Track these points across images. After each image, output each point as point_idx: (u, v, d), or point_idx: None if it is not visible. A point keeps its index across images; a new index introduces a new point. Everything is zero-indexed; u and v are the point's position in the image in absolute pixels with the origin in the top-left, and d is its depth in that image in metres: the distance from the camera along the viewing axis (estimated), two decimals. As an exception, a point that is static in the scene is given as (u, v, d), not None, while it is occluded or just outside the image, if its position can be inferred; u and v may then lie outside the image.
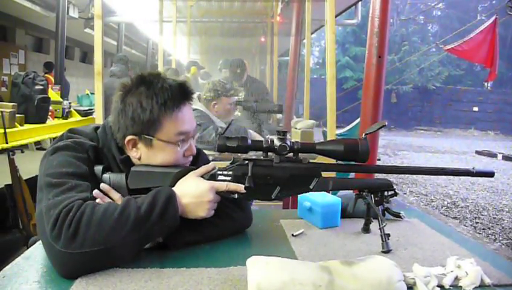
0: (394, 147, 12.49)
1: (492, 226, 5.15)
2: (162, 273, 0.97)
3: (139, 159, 1.16)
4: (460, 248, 1.19)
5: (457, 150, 12.54)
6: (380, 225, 1.15)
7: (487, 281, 0.95)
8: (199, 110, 2.75)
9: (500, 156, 10.86)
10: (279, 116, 4.31)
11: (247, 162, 1.15)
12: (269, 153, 1.16)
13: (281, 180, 1.16)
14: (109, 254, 0.95)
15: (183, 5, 6.87)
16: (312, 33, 6.25)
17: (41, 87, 3.54)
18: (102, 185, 1.09)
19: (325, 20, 2.90)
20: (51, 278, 0.94)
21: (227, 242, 1.18)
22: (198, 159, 1.26)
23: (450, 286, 0.95)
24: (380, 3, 2.63)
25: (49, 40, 11.04)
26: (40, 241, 1.05)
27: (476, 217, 5.50)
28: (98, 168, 1.13)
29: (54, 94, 4.41)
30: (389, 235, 1.14)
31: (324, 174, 1.17)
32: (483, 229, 5.04)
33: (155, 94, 1.12)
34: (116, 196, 1.09)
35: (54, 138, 3.84)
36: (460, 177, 7.55)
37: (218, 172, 1.16)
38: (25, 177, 3.22)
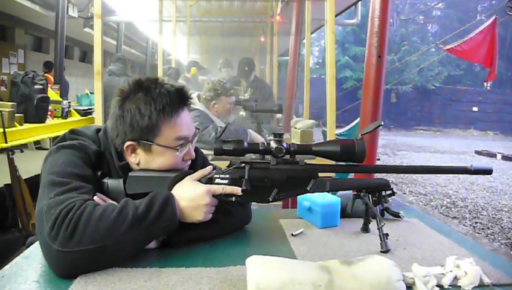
0: (394, 147, 12.49)
1: (491, 226, 5.16)
2: (161, 273, 0.97)
3: (138, 164, 1.17)
4: (459, 247, 1.19)
5: (457, 150, 12.54)
6: (378, 225, 1.15)
7: (486, 280, 0.95)
8: (199, 110, 2.76)
9: (499, 156, 10.86)
10: (279, 116, 4.32)
11: (244, 165, 1.15)
12: (266, 156, 1.16)
13: (278, 183, 1.16)
14: (106, 252, 0.95)
15: (182, 4, 6.88)
16: (312, 33, 6.24)
17: (40, 86, 3.54)
18: (97, 194, 1.09)
19: (324, 19, 2.90)
20: (50, 277, 0.94)
21: (227, 242, 1.18)
22: (196, 158, 1.26)
23: (449, 285, 0.95)
24: (379, 3, 2.63)
25: (48, 40, 11.04)
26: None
27: (475, 217, 5.50)
28: (97, 174, 1.14)
29: (53, 94, 4.41)
30: (387, 235, 1.14)
31: (322, 174, 1.17)
32: (483, 229, 5.05)
33: (153, 100, 1.11)
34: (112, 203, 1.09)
35: (53, 138, 3.86)
36: (460, 176, 7.67)
37: (215, 175, 1.16)
38: (24, 177, 3.22)
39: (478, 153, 11.62)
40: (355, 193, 1.23)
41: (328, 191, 1.20)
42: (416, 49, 19.47)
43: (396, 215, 1.43)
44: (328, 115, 2.80)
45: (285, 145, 1.14)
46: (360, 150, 1.13)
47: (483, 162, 10.24)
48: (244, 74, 4.31)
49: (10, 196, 3.16)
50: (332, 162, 1.26)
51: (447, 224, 4.77)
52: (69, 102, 4.54)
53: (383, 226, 1.15)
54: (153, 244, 1.08)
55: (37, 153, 7.30)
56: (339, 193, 1.43)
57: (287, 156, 1.16)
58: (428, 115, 21.12)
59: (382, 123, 1.22)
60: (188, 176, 1.15)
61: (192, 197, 1.09)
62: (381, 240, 1.14)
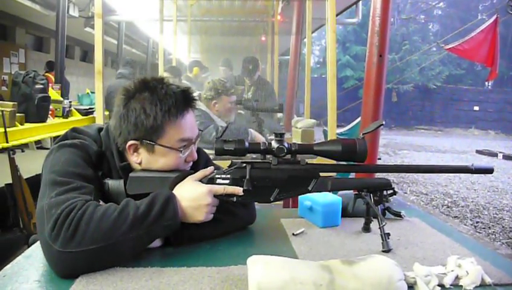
0: (395, 146, 12.48)
1: (492, 225, 5.15)
2: (163, 273, 0.96)
3: (140, 163, 1.16)
4: (460, 247, 1.19)
5: (458, 149, 12.53)
6: (379, 225, 1.15)
7: (488, 280, 0.95)
8: (200, 109, 2.75)
9: (500, 156, 10.85)
10: (279, 115, 4.31)
11: (245, 164, 1.15)
12: (267, 155, 1.16)
13: (279, 182, 1.16)
14: (107, 252, 0.94)
15: (183, 4, 6.87)
16: (313, 32, 6.23)
17: (41, 86, 3.54)
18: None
19: (325, 19, 2.90)
20: (51, 277, 0.94)
21: (228, 241, 1.18)
22: (199, 158, 1.26)
23: (451, 285, 0.94)
24: (380, 2, 2.63)
25: (49, 39, 11.04)
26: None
27: (476, 217, 5.50)
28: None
29: (54, 93, 4.41)
30: (389, 234, 1.14)
31: (323, 174, 1.17)
32: (484, 228, 5.04)
33: (159, 100, 1.11)
34: None
35: (54, 137, 3.87)
36: (461, 176, 7.66)
37: (217, 175, 1.16)
38: (25, 177, 3.23)
39: (479, 152, 11.61)
40: (357, 192, 1.23)
41: (329, 191, 1.20)
42: (417, 48, 19.47)
43: (398, 215, 1.42)
44: (329, 115, 2.80)
45: (286, 144, 1.14)
46: (361, 150, 1.12)
47: (484, 161, 10.23)
48: (248, 72, 4.31)
49: (11, 196, 3.16)
50: (334, 162, 1.26)
51: (448, 223, 4.77)
52: (70, 101, 4.55)
53: (384, 225, 1.14)
54: (157, 243, 1.08)
55: (38, 153, 7.31)
56: (340, 192, 1.42)
57: (288, 156, 1.16)
58: (429, 114, 21.10)
59: (383, 122, 1.22)
60: (189, 176, 1.15)
61: (193, 197, 1.09)
62: (382, 239, 1.14)
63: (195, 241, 1.14)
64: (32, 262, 1.02)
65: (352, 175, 2.12)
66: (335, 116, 2.81)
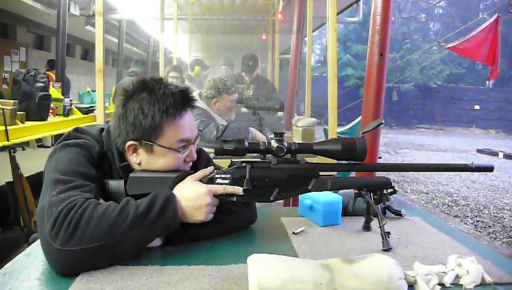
0: (395, 145, 12.48)
1: (493, 224, 5.15)
2: (163, 271, 0.97)
3: (139, 164, 1.16)
4: (461, 246, 1.19)
5: (459, 149, 12.53)
6: (379, 223, 1.15)
7: (488, 279, 0.95)
8: (200, 108, 2.75)
9: (501, 155, 10.85)
10: (280, 114, 4.32)
11: (245, 164, 1.15)
12: (267, 155, 1.16)
13: (279, 182, 1.15)
14: (106, 251, 0.94)
15: (184, 2, 6.86)
16: (313, 31, 6.23)
17: (42, 84, 3.54)
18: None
19: (326, 17, 2.89)
20: (52, 275, 0.94)
21: (228, 240, 1.18)
22: (199, 158, 1.26)
23: (451, 284, 0.94)
24: (381, 1, 2.63)
25: (50, 38, 11.04)
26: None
27: (476, 216, 5.50)
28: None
29: (55, 91, 4.40)
30: (389, 233, 1.14)
31: (323, 173, 1.17)
32: (484, 227, 5.04)
33: (157, 101, 1.11)
34: None
35: (55, 136, 3.87)
36: (461, 175, 7.65)
37: (216, 175, 1.16)
38: (26, 175, 3.23)
39: (480, 151, 11.60)
40: (357, 191, 1.23)
41: (329, 190, 1.20)
42: (418, 47, 19.45)
43: (398, 214, 1.43)
44: (329, 113, 2.79)
45: (286, 144, 1.14)
46: (361, 149, 1.12)
47: (485, 160, 10.22)
48: (248, 68, 4.31)
49: (12, 194, 3.17)
50: (334, 161, 1.26)
51: (448, 222, 4.78)
52: (70, 100, 4.55)
53: (384, 224, 1.15)
54: (157, 242, 1.08)
55: (39, 151, 7.32)
56: (340, 191, 1.43)
57: (288, 155, 1.16)
58: (430, 113, 21.09)
59: (382, 121, 1.22)
60: (189, 176, 1.15)
61: (193, 197, 1.09)
62: (382, 238, 1.14)
63: (196, 241, 1.14)
64: (32, 260, 1.02)
65: (352, 174, 2.12)
66: (335, 115, 2.80)
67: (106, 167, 1.17)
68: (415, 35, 22.57)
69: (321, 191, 1.20)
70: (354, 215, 1.38)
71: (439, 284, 0.93)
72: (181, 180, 1.14)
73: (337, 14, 4.02)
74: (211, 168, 1.17)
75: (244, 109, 3.46)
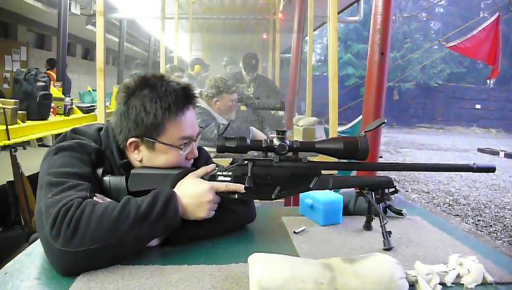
0: (396, 145, 12.47)
1: (494, 223, 5.15)
2: (164, 270, 0.96)
3: (141, 161, 1.16)
4: (462, 245, 1.19)
5: (459, 148, 12.51)
6: (381, 223, 1.15)
7: (489, 278, 0.95)
8: (201, 107, 2.75)
9: (502, 154, 10.83)
10: (281, 113, 4.31)
11: (246, 162, 1.15)
12: (269, 153, 1.16)
13: (280, 180, 1.15)
14: (108, 251, 0.94)
15: (185, 1, 6.86)
16: (314, 30, 6.22)
17: (43, 84, 3.54)
18: (96, 195, 1.08)
19: (327, 17, 2.89)
20: (52, 274, 0.94)
21: (229, 239, 1.18)
22: (199, 156, 1.25)
23: (452, 283, 0.94)
24: (382, 0, 2.62)
25: (51, 37, 11.04)
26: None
27: (477, 215, 5.49)
28: (98, 171, 1.13)
29: (55, 91, 4.41)
30: (390, 232, 1.14)
31: (325, 172, 1.17)
32: (485, 226, 5.04)
33: (159, 98, 1.11)
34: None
35: (55, 135, 3.87)
36: (462, 174, 7.65)
37: (218, 173, 1.16)
38: (27, 174, 3.23)
39: (481, 150, 11.59)
40: (358, 190, 1.23)
41: (330, 189, 1.20)
42: (419, 46, 19.44)
43: (399, 213, 1.42)
44: (330, 113, 2.79)
45: (288, 142, 1.14)
46: (363, 148, 1.12)
47: (485, 160, 10.21)
48: (250, 67, 4.32)
49: (13, 193, 3.16)
50: (335, 160, 1.26)
51: (449, 222, 4.77)
52: (71, 99, 4.55)
53: (385, 223, 1.14)
54: (154, 242, 1.08)
55: (40, 150, 7.32)
56: (342, 190, 1.42)
57: (290, 154, 1.16)
58: (430, 112, 21.07)
59: (385, 121, 1.22)
60: (191, 173, 1.14)
61: (195, 194, 1.09)
62: (383, 237, 1.14)
63: (194, 241, 1.13)
64: (33, 260, 1.02)
65: (353, 173, 2.12)
66: (336, 114, 2.80)
67: (106, 165, 1.17)
68: (416, 34, 22.55)
69: (323, 189, 1.19)
70: (355, 214, 1.38)
71: (440, 283, 0.93)
72: (183, 177, 1.14)
73: (338, 13, 4.02)
74: (212, 166, 1.17)
75: (243, 108, 3.46)
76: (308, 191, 1.19)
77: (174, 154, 1.15)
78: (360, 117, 4.77)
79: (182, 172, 1.15)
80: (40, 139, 7.34)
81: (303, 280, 0.82)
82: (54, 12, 7.78)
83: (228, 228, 1.21)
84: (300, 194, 1.41)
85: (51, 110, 3.77)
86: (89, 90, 6.18)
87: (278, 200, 1.20)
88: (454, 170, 1.19)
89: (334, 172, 1.43)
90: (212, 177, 1.15)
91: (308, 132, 2.97)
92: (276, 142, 1.13)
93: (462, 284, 0.94)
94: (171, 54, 7.64)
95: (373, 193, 1.20)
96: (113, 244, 0.94)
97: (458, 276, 0.96)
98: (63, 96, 4.49)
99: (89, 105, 4.88)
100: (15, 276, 0.93)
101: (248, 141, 1.14)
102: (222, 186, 1.13)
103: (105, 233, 0.93)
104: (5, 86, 8.66)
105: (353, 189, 1.31)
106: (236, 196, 1.14)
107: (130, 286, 0.89)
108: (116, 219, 0.95)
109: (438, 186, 7.12)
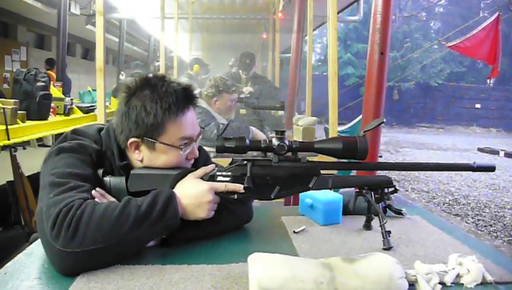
0: (396, 144, 12.47)
1: (494, 223, 5.15)
2: (164, 270, 0.97)
3: (142, 161, 1.17)
4: (462, 245, 1.19)
5: (459, 147, 12.52)
6: (380, 222, 1.15)
7: (489, 278, 0.95)
8: (200, 107, 2.75)
9: (502, 153, 10.83)
10: (281, 113, 4.32)
11: (246, 162, 1.15)
12: (268, 153, 1.16)
13: (280, 180, 1.15)
14: (108, 252, 0.95)
15: (185, 1, 6.87)
16: (314, 30, 6.23)
17: (43, 84, 3.54)
18: (97, 189, 1.08)
19: (327, 16, 2.88)
20: (53, 274, 0.94)
21: (229, 239, 1.18)
22: (199, 156, 1.25)
23: (452, 283, 0.94)
24: (382, 0, 2.62)
25: (50, 37, 11.04)
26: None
27: (477, 215, 5.49)
28: (99, 172, 1.14)
29: (55, 91, 4.42)
30: (389, 232, 1.14)
31: (324, 172, 1.17)
32: (485, 226, 5.04)
33: (159, 98, 1.11)
34: (112, 199, 1.09)
35: (55, 135, 3.87)
36: (462, 174, 7.65)
37: (218, 173, 1.16)
38: (26, 174, 3.23)
39: (481, 150, 11.59)
40: (358, 190, 1.23)
41: (330, 189, 1.20)
42: (419, 46, 19.44)
43: (399, 213, 1.42)
44: (330, 112, 2.79)
45: (287, 142, 1.14)
46: (362, 147, 1.12)
47: (485, 159, 10.20)
48: (245, 66, 4.34)
49: (13, 193, 3.17)
50: (335, 160, 1.26)
51: (449, 221, 4.77)
52: (71, 99, 4.55)
53: (385, 223, 1.14)
54: (151, 242, 1.08)
55: (40, 150, 7.31)
56: (341, 190, 1.42)
57: (289, 154, 1.16)
58: (430, 112, 21.07)
59: (384, 120, 1.22)
60: (190, 174, 1.15)
61: (194, 194, 1.09)
62: (383, 237, 1.14)
63: (192, 241, 1.13)
64: (33, 259, 1.02)
65: (353, 173, 2.12)
66: (336, 114, 2.80)
67: (107, 166, 1.17)
68: (416, 34, 22.54)
69: (322, 189, 1.19)
70: (355, 214, 1.38)
71: (440, 283, 0.93)
72: (182, 178, 1.14)
73: (338, 13, 4.02)
74: (212, 166, 1.17)
75: (243, 111, 3.46)
76: (307, 191, 1.19)
77: (174, 154, 1.15)
78: (360, 117, 4.77)
79: (181, 172, 1.15)
80: (40, 139, 7.33)
81: (303, 280, 0.82)
82: (53, 12, 7.78)
83: (226, 228, 1.21)
84: (300, 193, 1.41)
85: (51, 110, 3.77)
86: (89, 90, 6.18)
87: (277, 200, 1.20)
88: (454, 169, 1.19)
89: (334, 172, 1.43)
90: (211, 177, 1.15)
91: (308, 132, 2.97)
92: (275, 142, 1.13)
93: (462, 284, 0.94)
94: (171, 54, 7.64)
95: (372, 192, 1.20)
96: (113, 245, 0.94)
97: (458, 275, 0.96)
98: (62, 96, 4.50)
99: (88, 105, 4.88)
100: (15, 276, 0.93)
101: (247, 141, 1.14)
102: (221, 186, 1.13)
103: (105, 234, 0.94)
104: (5, 86, 8.66)
105: (353, 189, 1.31)
106: (235, 196, 1.14)
107: (130, 286, 0.89)
108: (116, 220, 0.96)
109: (437, 185, 7.12)
